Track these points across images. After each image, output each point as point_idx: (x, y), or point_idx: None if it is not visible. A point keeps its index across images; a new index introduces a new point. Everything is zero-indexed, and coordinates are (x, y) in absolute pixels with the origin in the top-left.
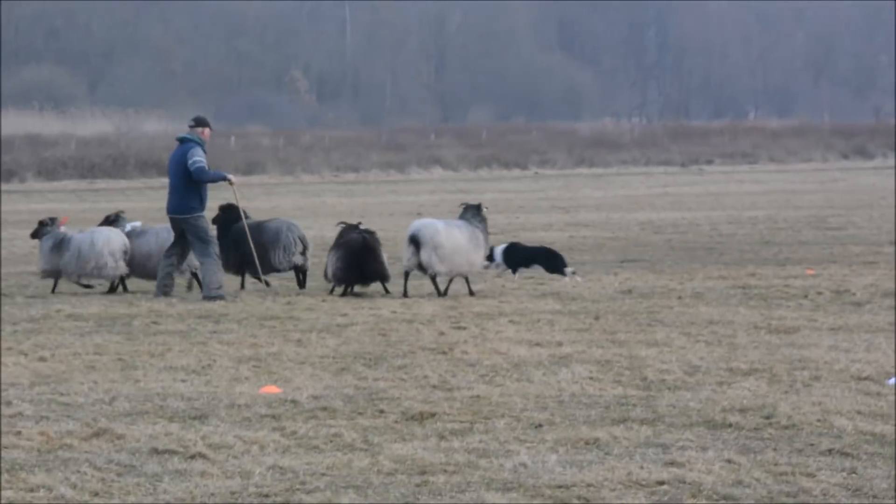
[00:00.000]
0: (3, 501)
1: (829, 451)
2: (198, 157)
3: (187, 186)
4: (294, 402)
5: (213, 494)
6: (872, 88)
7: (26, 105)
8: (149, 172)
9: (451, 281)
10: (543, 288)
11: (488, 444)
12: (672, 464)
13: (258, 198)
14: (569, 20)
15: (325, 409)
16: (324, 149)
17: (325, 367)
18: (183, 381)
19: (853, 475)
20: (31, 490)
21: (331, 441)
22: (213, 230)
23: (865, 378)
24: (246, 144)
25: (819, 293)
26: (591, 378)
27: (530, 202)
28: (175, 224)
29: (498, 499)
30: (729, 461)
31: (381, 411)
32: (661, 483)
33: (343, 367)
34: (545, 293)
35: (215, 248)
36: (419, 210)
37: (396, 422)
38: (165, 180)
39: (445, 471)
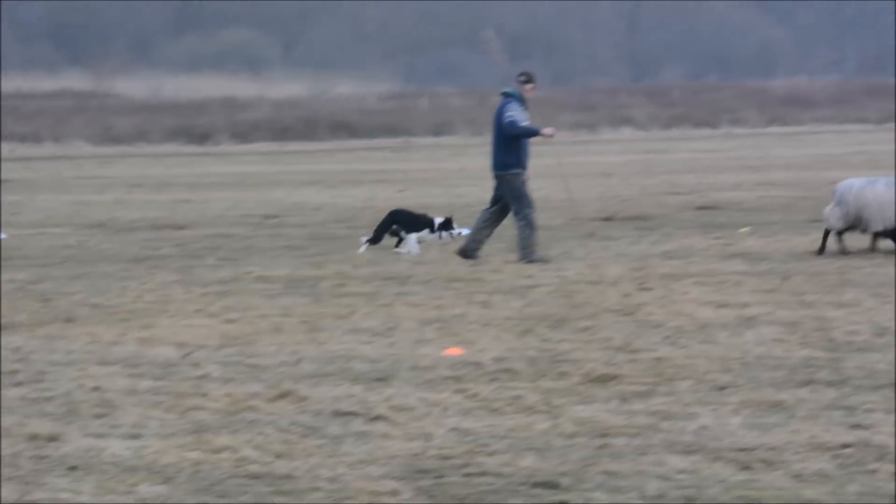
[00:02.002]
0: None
1: None
2: (512, 112)
3: (505, 142)
4: (477, 363)
5: (394, 456)
6: None
7: (221, 68)
8: (340, 134)
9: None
10: (731, 249)
11: (670, 407)
12: (857, 426)
13: (446, 159)
14: None
15: (507, 371)
16: None
17: (509, 328)
18: (367, 343)
19: None
20: (216, 451)
21: (512, 403)
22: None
23: None
24: (437, 105)
25: None
26: (776, 340)
27: (720, 162)
28: (497, 180)
29: (679, 462)
30: None
31: (564, 373)
32: (846, 446)
33: (526, 329)
34: (733, 254)
35: (530, 210)
36: (609, 171)
37: (579, 384)
38: (357, 142)
39: (626, 433)
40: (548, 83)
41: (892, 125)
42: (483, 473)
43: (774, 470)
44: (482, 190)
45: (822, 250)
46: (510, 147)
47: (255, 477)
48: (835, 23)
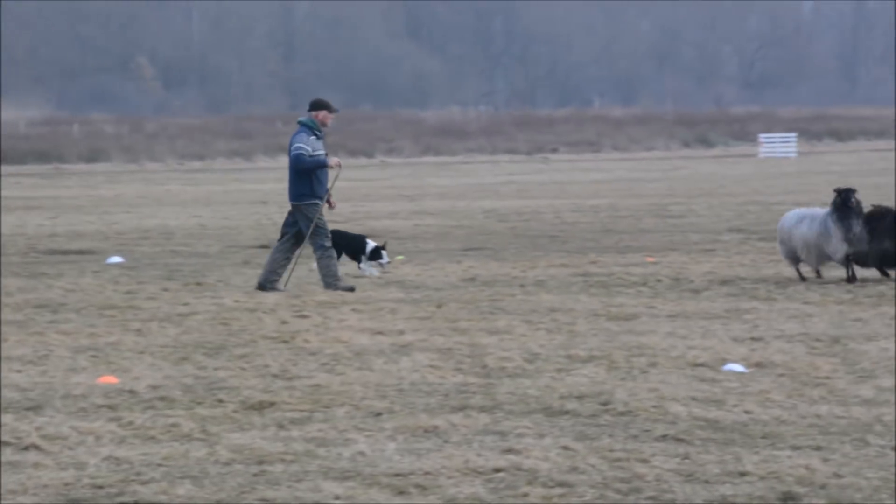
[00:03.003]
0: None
1: (664, 436)
2: (299, 143)
3: (297, 172)
4: (132, 391)
5: (46, 486)
6: (715, 78)
7: None
8: None
9: None
10: (387, 277)
11: (327, 433)
12: (509, 451)
13: (101, 186)
14: (416, 8)
15: (163, 398)
16: (169, 136)
17: (165, 356)
18: (18, 371)
19: (686, 461)
20: None
21: (168, 431)
22: (323, 219)
23: (701, 364)
24: (90, 132)
25: (658, 280)
26: (431, 366)
27: (376, 190)
28: (293, 210)
29: (335, 488)
30: (565, 448)
31: (220, 401)
32: (499, 470)
33: (183, 356)
34: (389, 282)
35: (326, 240)
36: (265, 198)
37: (235, 411)
38: (6, 168)
39: (283, 460)
40: (203, 110)
41: (541, 155)
42: (137, 502)
43: (429, 494)
44: (137, 217)
45: (800, 278)
46: (303, 178)
47: None
48: (485, 56)
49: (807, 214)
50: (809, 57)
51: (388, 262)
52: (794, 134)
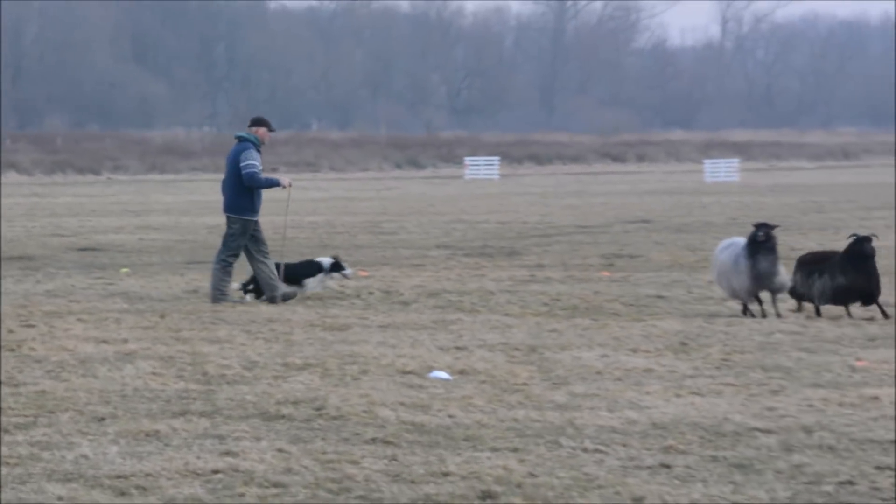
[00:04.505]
0: None
1: (373, 439)
2: (251, 161)
3: (240, 186)
4: None
5: None
6: (425, 104)
7: None
8: None
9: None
10: (113, 288)
11: (51, 437)
12: (227, 453)
13: None
14: (142, 34)
15: None
16: None
17: None
18: None
19: (394, 462)
20: None
21: None
22: (245, 238)
23: (409, 372)
24: None
25: (371, 293)
26: (154, 373)
27: (103, 206)
28: (227, 222)
29: (59, 489)
30: (280, 450)
31: None
32: (217, 472)
33: None
34: (114, 293)
35: (234, 254)
36: None
37: None
38: None
39: (7, 463)
40: None
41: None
42: None
43: (149, 495)
44: None
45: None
46: (245, 192)
47: None
48: (209, 81)
49: (733, 243)
50: (511, 87)
51: (351, 272)
52: (497, 157)
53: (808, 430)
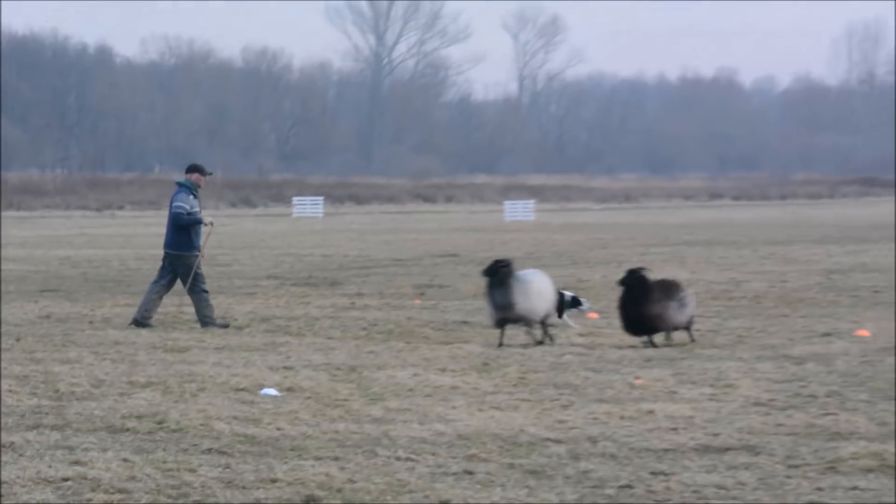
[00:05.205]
0: None
1: (209, 450)
2: (179, 203)
3: (177, 227)
4: None
5: None
6: (256, 150)
7: None
8: None
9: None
10: None
11: None
12: (77, 462)
13: None
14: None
15: None
16: None
17: None
18: None
19: (227, 469)
20: None
21: None
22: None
23: (242, 389)
24: None
25: None
26: (9, 391)
27: None
28: (167, 258)
29: None
30: (125, 459)
31: None
32: (67, 479)
33: None
34: None
35: (202, 284)
36: None
37: None
38: None
39: None
40: None
41: (109, 211)
42: None
43: (5, 500)
44: None
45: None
46: (182, 231)
47: None
48: (61, 127)
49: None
50: (334, 135)
51: (588, 308)
52: (321, 198)
53: (593, 440)
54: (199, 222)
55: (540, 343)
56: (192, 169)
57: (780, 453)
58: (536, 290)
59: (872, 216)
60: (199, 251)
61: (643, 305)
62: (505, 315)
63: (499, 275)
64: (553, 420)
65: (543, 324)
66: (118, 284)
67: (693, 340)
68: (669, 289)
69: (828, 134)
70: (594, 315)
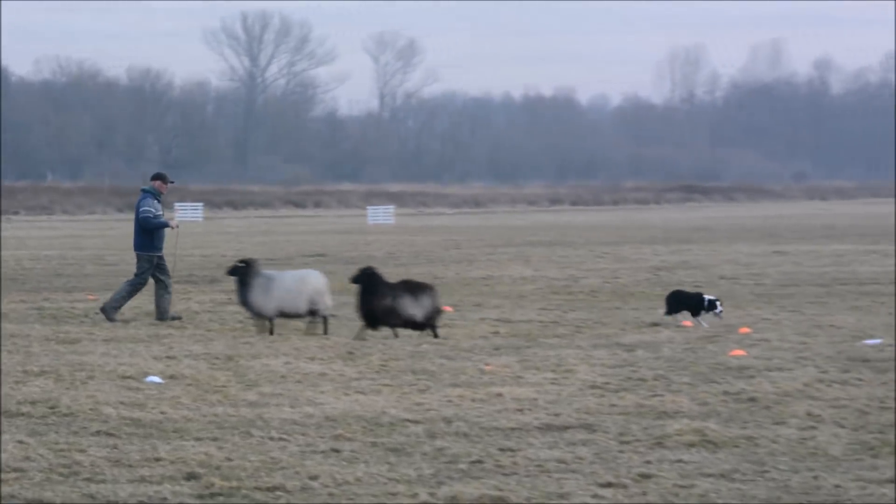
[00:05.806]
0: None
1: (98, 432)
2: (146, 207)
3: (142, 229)
4: None
5: None
6: (141, 159)
7: None
8: None
9: None
10: None
11: None
12: None
13: None
14: None
15: None
16: None
17: None
18: None
19: (115, 450)
20: None
21: None
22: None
23: (129, 377)
24: None
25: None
26: None
27: None
28: (137, 258)
29: None
30: (20, 441)
31: None
32: None
33: None
34: None
35: (141, 283)
36: None
37: None
38: None
39: None
40: None
41: (6, 217)
42: None
43: None
44: None
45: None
46: (146, 234)
47: None
48: None
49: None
50: (212, 146)
51: (721, 311)
52: (201, 203)
53: (447, 421)
54: (165, 225)
55: (315, 335)
56: (156, 177)
57: (613, 431)
58: (285, 287)
59: (693, 219)
60: (161, 251)
61: (375, 299)
62: (252, 311)
63: (238, 274)
64: (412, 403)
65: (315, 314)
66: (14, 282)
67: (435, 337)
68: (409, 287)
69: (654, 146)
70: (449, 308)
